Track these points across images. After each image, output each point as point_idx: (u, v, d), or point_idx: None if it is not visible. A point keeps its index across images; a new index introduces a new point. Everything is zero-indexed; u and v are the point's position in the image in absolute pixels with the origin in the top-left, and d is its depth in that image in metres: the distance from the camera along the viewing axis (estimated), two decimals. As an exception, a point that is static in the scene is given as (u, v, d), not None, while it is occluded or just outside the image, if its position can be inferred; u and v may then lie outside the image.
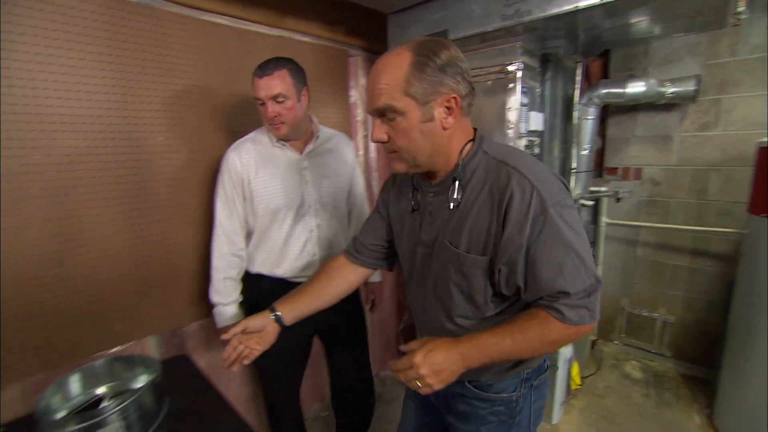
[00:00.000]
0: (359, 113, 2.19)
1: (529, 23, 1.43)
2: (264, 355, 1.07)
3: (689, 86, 2.09)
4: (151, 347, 1.54)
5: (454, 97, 0.76)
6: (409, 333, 2.73)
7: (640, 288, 2.67)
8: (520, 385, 0.92)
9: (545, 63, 1.84)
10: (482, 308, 0.85)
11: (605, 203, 2.67)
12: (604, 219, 2.69)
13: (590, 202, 2.13)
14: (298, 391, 1.64)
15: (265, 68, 1.28)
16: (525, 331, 0.75)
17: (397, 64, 0.74)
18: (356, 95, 2.17)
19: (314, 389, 2.23)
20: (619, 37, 1.83)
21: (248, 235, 1.46)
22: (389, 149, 0.82)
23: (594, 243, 2.67)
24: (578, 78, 1.97)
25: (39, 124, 1.19)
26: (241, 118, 1.67)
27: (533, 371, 0.93)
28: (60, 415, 1.01)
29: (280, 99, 1.28)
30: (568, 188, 0.79)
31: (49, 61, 1.19)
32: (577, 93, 2.01)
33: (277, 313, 1.03)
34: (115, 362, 1.13)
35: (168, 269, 1.53)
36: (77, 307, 1.32)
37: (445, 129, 0.78)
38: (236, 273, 1.45)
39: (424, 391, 0.74)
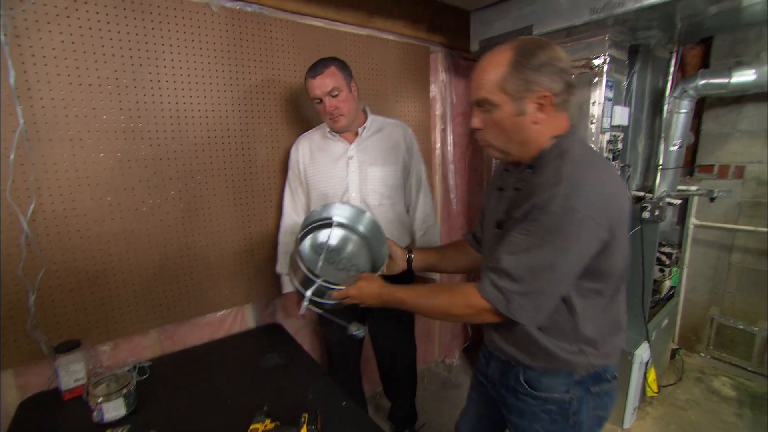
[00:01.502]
0: (438, 107, 2.26)
1: (621, 15, 1.40)
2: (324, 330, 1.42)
3: (810, 75, 1.87)
4: (250, 314, 1.78)
5: (546, 95, 0.81)
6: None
7: (734, 297, 2.45)
8: (573, 387, 0.92)
9: (633, 54, 1.76)
10: None
11: (695, 203, 2.47)
12: (692, 220, 2.50)
13: (677, 201, 2.00)
14: (358, 369, 1.79)
15: (316, 69, 1.40)
16: (442, 290, 0.94)
17: (498, 61, 0.83)
18: (436, 90, 2.24)
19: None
20: (726, 23, 1.68)
21: None
22: (482, 138, 0.91)
23: (680, 245, 2.50)
24: (672, 69, 1.85)
25: (176, 119, 1.45)
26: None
27: (588, 376, 0.92)
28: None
29: (335, 93, 1.40)
30: (610, 207, 0.78)
31: (186, 66, 1.44)
32: (669, 85, 1.90)
33: (411, 255, 1.25)
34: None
35: (266, 245, 1.75)
36: (197, 273, 1.58)
37: (535, 123, 0.84)
38: None
39: (348, 302, 1.07)
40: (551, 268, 0.78)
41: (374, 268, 1.24)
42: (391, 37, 1.98)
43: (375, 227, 1.28)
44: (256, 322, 1.80)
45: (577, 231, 0.76)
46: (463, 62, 2.36)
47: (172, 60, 1.40)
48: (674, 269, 2.33)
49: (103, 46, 1.27)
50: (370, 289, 1.04)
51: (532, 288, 0.80)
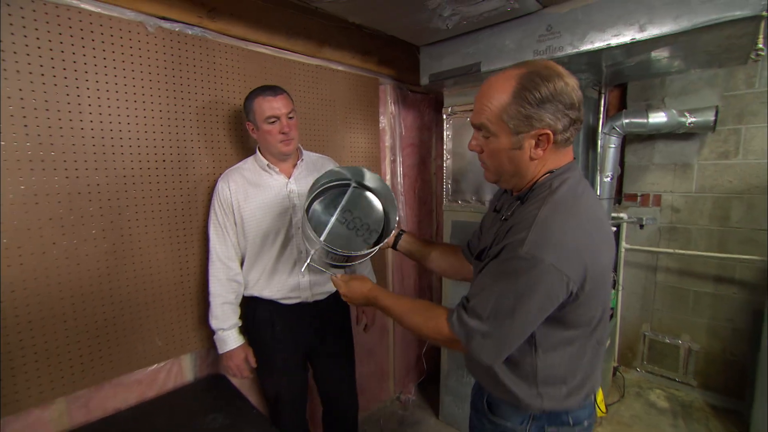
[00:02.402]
0: (387, 139, 2.26)
1: (560, 58, 1.51)
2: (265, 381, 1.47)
3: (708, 116, 2.15)
4: (187, 365, 1.56)
5: (546, 133, 0.77)
6: (432, 355, 2.72)
7: (662, 314, 2.66)
8: (529, 422, 0.91)
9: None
10: None
11: (624, 229, 2.69)
12: (623, 244, 2.71)
13: (613, 228, 2.16)
14: (304, 415, 1.66)
15: (274, 89, 1.39)
16: (420, 310, 0.94)
17: (501, 88, 0.78)
18: (385, 122, 2.25)
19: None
20: (640, 72, 1.90)
21: (241, 260, 1.49)
22: (480, 159, 0.90)
23: (615, 268, 2.69)
24: (602, 108, 2.03)
25: (101, 148, 1.26)
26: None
27: (546, 416, 0.91)
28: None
29: (291, 115, 1.40)
30: (582, 258, 0.74)
31: (116, 89, 1.28)
32: (600, 122, 2.08)
33: (402, 232, 1.25)
34: None
35: (205, 288, 1.56)
36: (123, 324, 1.35)
37: (532, 159, 0.81)
38: (234, 297, 1.46)
39: (345, 299, 1.10)
40: (512, 314, 0.76)
41: (382, 233, 1.23)
42: (341, 68, 1.96)
43: (388, 189, 1.22)
44: (195, 375, 1.58)
45: (540, 280, 0.73)
46: (412, 95, 2.40)
47: (98, 81, 1.24)
48: (613, 292, 2.49)
49: (5, 60, 1.08)
50: (360, 290, 1.07)
51: (494, 330, 0.78)
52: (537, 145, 0.79)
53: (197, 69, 1.47)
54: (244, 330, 1.50)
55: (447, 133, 2.05)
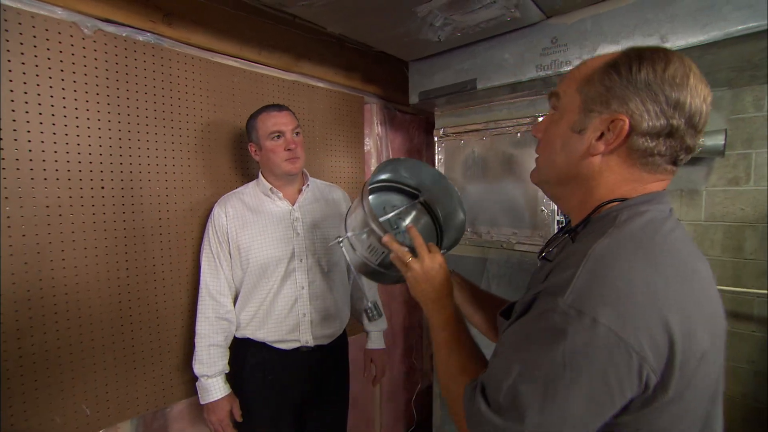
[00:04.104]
0: (373, 162, 2.06)
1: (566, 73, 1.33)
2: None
3: (718, 140, 2.00)
4: (126, 435, 1.28)
5: (622, 120, 0.53)
6: (423, 401, 2.45)
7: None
8: None
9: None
10: None
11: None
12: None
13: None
14: None
15: (279, 106, 1.31)
16: (464, 355, 0.67)
17: (599, 59, 0.58)
18: (371, 144, 2.05)
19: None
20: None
21: (235, 296, 1.34)
22: (537, 153, 0.67)
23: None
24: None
25: (15, 171, 1.02)
26: (249, 165, 1.53)
27: None
28: None
29: (298, 131, 1.31)
30: (664, 322, 0.46)
31: (37, 100, 1.05)
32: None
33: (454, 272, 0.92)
34: None
35: (157, 338, 1.31)
36: (35, 390, 1.08)
37: (590, 154, 0.57)
38: (223, 338, 1.29)
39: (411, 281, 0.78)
40: (540, 404, 0.47)
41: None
42: (321, 85, 1.77)
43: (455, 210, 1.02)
44: (136, 447, 1.30)
45: (592, 353, 0.45)
46: (401, 115, 2.22)
47: (12, 90, 1.01)
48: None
49: None
50: (434, 281, 0.76)
51: (502, 427, 0.49)
52: (602, 138, 0.56)
53: (149, 80, 1.26)
54: (231, 377, 1.30)
55: (438, 157, 1.85)
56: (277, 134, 1.27)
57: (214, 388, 1.26)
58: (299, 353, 1.33)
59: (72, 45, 1.10)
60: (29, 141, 1.04)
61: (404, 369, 2.40)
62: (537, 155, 0.67)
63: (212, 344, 1.26)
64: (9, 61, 1.00)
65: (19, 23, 1.01)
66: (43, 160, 1.06)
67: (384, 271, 0.92)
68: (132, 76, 1.22)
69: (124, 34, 1.20)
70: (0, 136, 0.99)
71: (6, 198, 1.01)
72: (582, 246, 0.53)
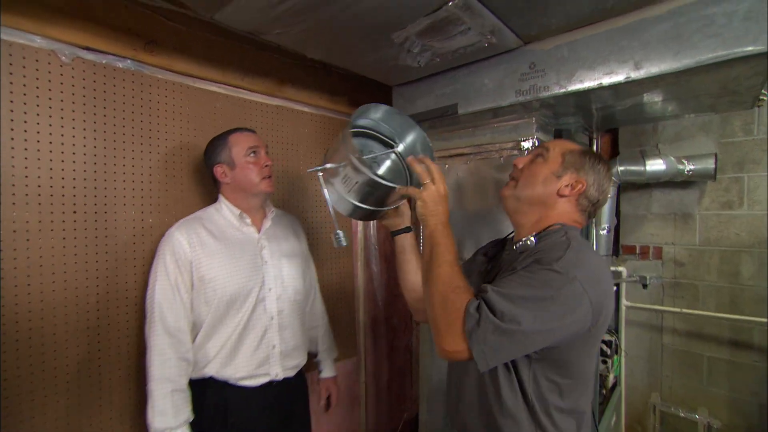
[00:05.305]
0: (360, 185, 2.05)
1: (546, 99, 1.33)
2: None
3: (708, 164, 1.99)
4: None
5: (582, 183, 0.90)
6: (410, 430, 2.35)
7: (672, 382, 2.35)
8: None
9: (558, 138, 1.74)
10: None
11: (624, 284, 2.45)
12: (624, 302, 2.45)
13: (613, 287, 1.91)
14: None
15: (246, 128, 1.32)
16: (456, 275, 0.83)
17: (576, 145, 0.96)
18: (357, 166, 2.04)
19: None
20: (633, 116, 1.76)
21: (193, 330, 1.21)
22: (512, 178, 0.99)
23: (616, 330, 2.40)
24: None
25: (-18, 196, 1.02)
26: (229, 190, 1.52)
27: None
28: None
29: (267, 151, 1.32)
30: (604, 294, 0.80)
31: (10, 126, 1.05)
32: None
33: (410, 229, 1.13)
34: None
35: (126, 365, 1.27)
36: (-6, 423, 1.04)
37: (559, 195, 0.91)
38: (186, 382, 1.18)
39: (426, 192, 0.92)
40: (531, 315, 0.74)
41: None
42: (305, 109, 1.78)
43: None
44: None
45: (570, 295, 0.75)
46: (388, 139, 2.22)
47: (-17, 116, 1.01)
48: (615, 358, 2.19)
49: None
50: (445, 199, 0.93)
51: (503, 328, 0.73)
52: (569, 186, 0.90)
53: (127, 106, 1.27)
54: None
55: (424, 180, 1.84)
56: (253, 150, 1.25)
57: None
58: (266, 389, 1.24)
59: (49, 72, 1.11)
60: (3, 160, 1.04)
61: (390, 397, 2.32)
62: (513, 178, 0.98)
63: (176, 389, 1.13)
64: (-18, 87, 1.01)
65: (-6, 51, 1.03)
66: (13, 185, 1.06)
67: (362, 206, 0.99)
68: (110, 101, 1.23)
69: (104, 62, 1.22)
70: (-32, 161, 0.99)
71: (-30, 223, 1.00)
72: (553, 242, 0.84)
